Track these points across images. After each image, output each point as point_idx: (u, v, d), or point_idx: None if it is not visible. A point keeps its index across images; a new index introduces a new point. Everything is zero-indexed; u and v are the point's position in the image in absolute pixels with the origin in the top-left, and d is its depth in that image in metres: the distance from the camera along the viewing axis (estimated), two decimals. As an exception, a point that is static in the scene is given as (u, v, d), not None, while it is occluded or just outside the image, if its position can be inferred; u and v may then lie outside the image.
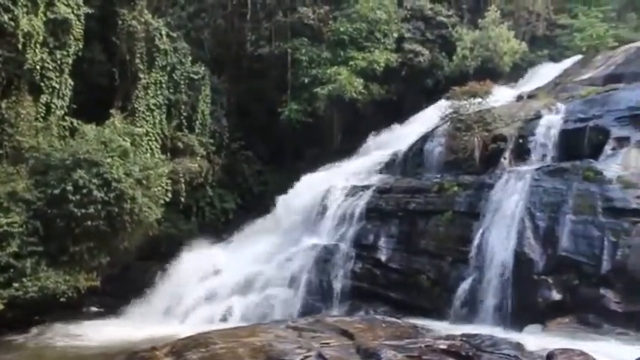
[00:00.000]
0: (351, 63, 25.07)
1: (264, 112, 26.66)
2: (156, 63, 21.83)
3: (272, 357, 8.54)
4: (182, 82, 22.90)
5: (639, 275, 13.09)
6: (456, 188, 17.11)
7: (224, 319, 17.15)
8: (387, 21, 26.00)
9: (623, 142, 16.03)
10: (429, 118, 21.25)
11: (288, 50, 25.86)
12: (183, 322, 17.33)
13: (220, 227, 24.35)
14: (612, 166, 15.18)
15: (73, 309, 17.92)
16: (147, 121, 21.44)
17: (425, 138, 19.97)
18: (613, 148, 16.01)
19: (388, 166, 20.41)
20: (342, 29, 25.61)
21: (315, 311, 16.61)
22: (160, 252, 21.39)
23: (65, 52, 18.60)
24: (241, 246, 21.22)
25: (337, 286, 17.45)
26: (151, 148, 21.10)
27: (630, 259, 13.32)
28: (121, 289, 19.54)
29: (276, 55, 26.41)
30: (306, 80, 25.43)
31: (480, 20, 27.29)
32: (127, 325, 17.28)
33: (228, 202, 25.44)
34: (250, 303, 17.76)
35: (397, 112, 24.44)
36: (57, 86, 18.51)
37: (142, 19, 21.30)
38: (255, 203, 24.67)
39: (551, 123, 17.61)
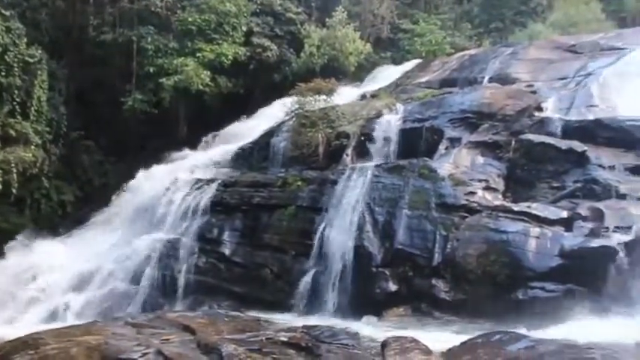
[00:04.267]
0: (198, 54, 24.71)
1: (107, 101, 25.55)
2: (-15, 43, 20.25)
3: (108, 356, 8.21)
4: (15, 65, 21.28)
5: (466, 266, 14.05)
6: (299, 183, 17.43)
7: (59, 318, 16.28)
8: (237, 14, 25.86)
9: (455, 142, 17.16)
10: (276, 113, 21.46)
11: (134, 38, 24.97)
12: (13, 324, 16.20)
13: (57, 220, 23.10)
14: (445, 164, 16.18)
15: None
16: (-26, 106, 19.85)
17: (271, 133, 20.13)
18: (446, 148, 17.11)
19: (234, 160, 20.33)
20: (190, 19, 25.15)
21: (158, 307, 16.24)
22: (-12, 247, 19.92)
23: None
24: (79, 240, 20.28)
25: (180, 280, 17.13)
26: (-21, 136, 19.58)
27: (458, 252, 14.27)
28: (-59, 288, 17.99)
29: (120, 43, 25.39)
30: (152, 70, 24.75)
31: (327, 19, 27.94)
32: (-52, 328, 15.92)
33: (66, 194, 24.15)
34: (88, 300, 16.97)
35: (245, 105, 24.44)
36: None
37: (-31, -5, 19.67)
38: (96, 195, 23.62)
39: (390, 122, 18.46)
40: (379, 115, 18.98)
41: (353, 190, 16.24)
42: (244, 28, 26.38)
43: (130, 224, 19.65)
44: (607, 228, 13.37)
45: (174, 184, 19.49)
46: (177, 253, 17.56)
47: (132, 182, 20.91)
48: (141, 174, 20.96)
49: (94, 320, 13.39)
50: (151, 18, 25.58)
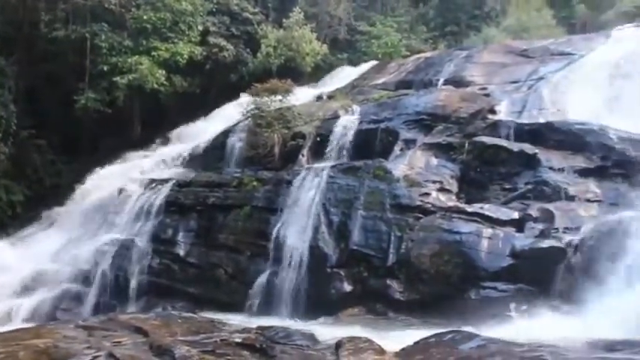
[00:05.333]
0: (153, 53, 24.44)
1: (60, 99, 25.05)
2: None
3: (57, 359, 8.07)
4: (-38, 61, 20.81)
5: (420, 266, 14.19)
6: (255, 183, 17.38)
7: (8, 322, 15.87)
8: (193, 13, 25.68)
9: (410, 143, 17.29)
10: (232, 113, 21.37)
11: (87, 35, 24.51)
12: (-43, 328, 15.76)
13: (6, 221, 22.54)
14: (400, 165, 16.27)
15: None
16: None
17: (227, 133, 20.06)
18: (401, 149, 17.22)
19: (189, 160, 20.21)
20: (145, 17, 24.83)
21: (110, 309, 16.02)
22: None
23: None
24: (30, 241, 19.86)
25: (133, 282, 16.94)
26: None
27: (413, 252, 14.39)
28: None
29: (73, 40, 24.88)
30: (106, 68, 24.36)
31: (284, 20, 27.94)
32: None
33: (16, 195, 23.55)
34: (39, 302, 16.62)
35: (201, 105, 24.29)
36: None
37: None
38: (48, 196, 23.13)
39: (346, 123, 18.51)
40: (335, 115, 19.05)
41: (308, 191, 16.25)
42: (200, 28, 26.21)
43: (82, 225, 19.35)
44: (557, 229, 13.66)
45: (128, 184, 19.25)
46: (131, 253, 17.35)
47: (85, 182, 20.55)
48: (94, 174, 20.62)
49: (44, 323, 13.19)
50: (105, 15, 25.15)
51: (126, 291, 16.94)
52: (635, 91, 16.50)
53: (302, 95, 21.87)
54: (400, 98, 19.40)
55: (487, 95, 19.00)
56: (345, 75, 25.67)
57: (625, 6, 29.98)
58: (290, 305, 15.08)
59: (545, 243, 13.38)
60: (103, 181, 20.16)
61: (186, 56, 24.96)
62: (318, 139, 18.47)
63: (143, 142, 22.64)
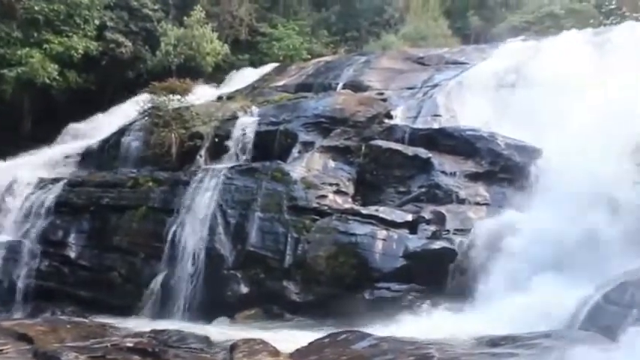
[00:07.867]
0: (45, 46, 23.35)
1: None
2: None
3: None
4: None
5: (316, 268, 14.37)
6: (150, 184, 17.01)
7: None
8: (89, 6, 24.73)
9: (308, 146, 17.42)
10: (129, 111, 20.84)
11: (-27, 25, 23.24)
12: None
13: None
14: (298, 168, 16.38)
15: None
16: None
17: (122, 131, 19.52)
18: (299, 152, 17.33)
19: (83, 159, 19.54)
20: (37, 8, 23.64)
21: (-7, 315, 15.28)
22: None
23: None
24: None
25: (20, 286, 16.22)
26: None
27: (309, 253, 14.54)
28: None
29: (-44, 29, 23.54)
30: (-8, 60, 23.15)
31: (185, 18, 27.48)
32: None
33: None
34: None
35: (97, 102, 23.54)
36: None
37: None
38: None
39: (246, 124, 18.44)
40: (234, 116, 18.93)
41: (205, 192, 16.09)
42: (97, 22, 25.29)
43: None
44: (448, 230, 14.18)
45: (16, 182, 18.38)
46: (17, 256, 16.61)
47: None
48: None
49: None
50: (-6, 4, 23.91)
51: (11, 296, 16.20)
52: (521, 100, 17.40)
53: (202, 95, 21.68)
54: (299, 101, 19.53)
55: (384, 100, 19.45)
56: (246, 76, 25.60)
57: (515, 20, 31.58)
58: (185, 308, 14.93)
59: (437, 244, 13.88)
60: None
61: (81, 51, 24.02)
62: (217, 139, 18.31)
63: (34, 139, 21.66)
